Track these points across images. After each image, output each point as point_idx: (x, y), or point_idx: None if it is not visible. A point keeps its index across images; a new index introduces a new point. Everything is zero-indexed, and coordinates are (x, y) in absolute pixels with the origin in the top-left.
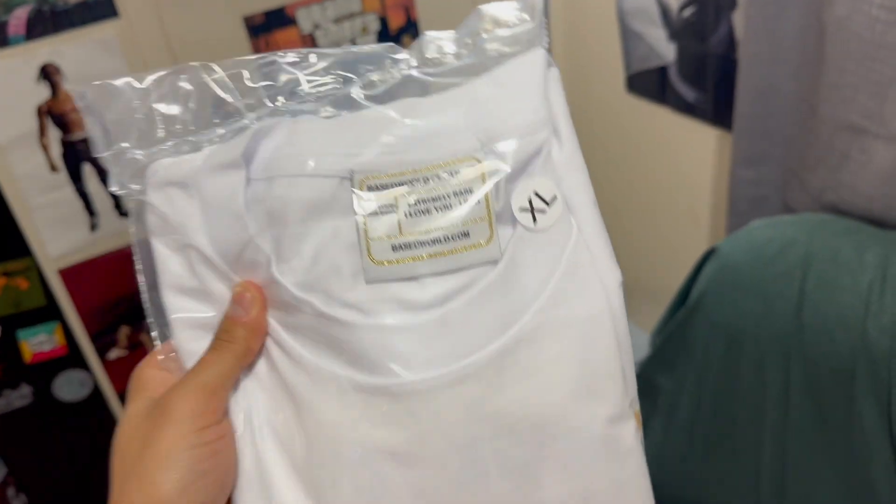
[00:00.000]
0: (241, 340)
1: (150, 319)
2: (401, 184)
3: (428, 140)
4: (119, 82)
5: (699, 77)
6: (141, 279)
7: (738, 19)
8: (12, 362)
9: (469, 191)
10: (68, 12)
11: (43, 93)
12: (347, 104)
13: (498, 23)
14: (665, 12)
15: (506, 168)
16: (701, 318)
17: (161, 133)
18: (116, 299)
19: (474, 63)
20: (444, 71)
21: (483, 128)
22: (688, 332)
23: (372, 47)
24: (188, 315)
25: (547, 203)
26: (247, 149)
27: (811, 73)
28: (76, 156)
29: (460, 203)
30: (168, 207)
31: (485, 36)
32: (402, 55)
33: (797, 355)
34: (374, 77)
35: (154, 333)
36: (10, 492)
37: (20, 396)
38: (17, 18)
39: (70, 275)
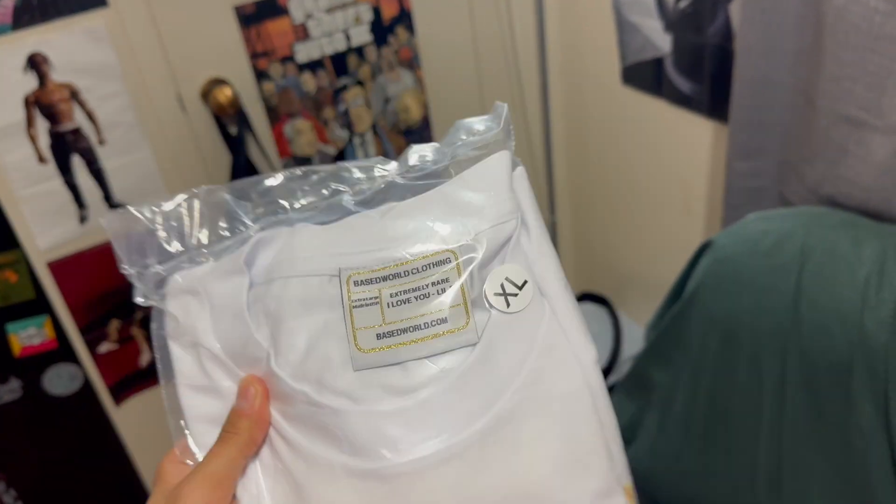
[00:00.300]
0: (244, 432)
1: (168, 417)
2: (384, 278)
3: (406, 238)
4: (140, 208)
5: (695, 69)
6: (162, 380)
7: (735, 10)
8: (1, 356)
9: (445, 280)
10: (56, 1)
11: (30, 83)
12: (339, 210)
13: (471, 132)
14: (661, 3)
15: (478, 257)
16: (696, 312)
17: (178, 248)
18: (106, 292)
19: (448, 165)
20: (420, 175)
21: (456, 222)
22: (683, 325)
23: (364, 161)
24: (201, 411)
25: (518, 287)
26: (249, 256)
27: (809, 64)
28: (65, 147)
29: (437, 292)
30: (182, 312)
31: (458, 143)
32: (390, 165)
33: (794, 350)
34: (363, 185)
35: (172, 428)
36: (0, 486)
37: (9, 391)
38: (4, 7)
39: (59, 267)
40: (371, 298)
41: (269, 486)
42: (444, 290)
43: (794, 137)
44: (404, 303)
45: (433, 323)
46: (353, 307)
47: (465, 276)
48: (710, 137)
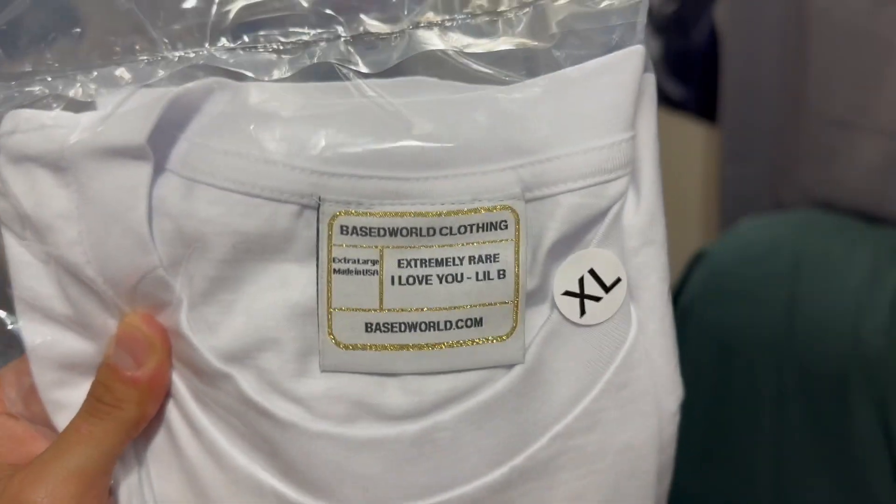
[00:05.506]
0: (130, 405)
1: None
2: (392, 230)
3: (446, 162)
4: None
5: (685, 73)
6: None
7: (720, 13)
8: None
9: (493, 257)
10: None
11: None
12: (323, 70)
13: None
14: (649, 7)
15: (553, 228)
16: (691, 325)
17: (27, 63)
18: None
19: (534, 49)
20: (486, 57)
21: (531, 159)
22: (678, 338)
23: None
24: (53, 349)
25: (605, 287)
26: (160, 126)
27: (795, 67)
28: None
29: (477, 274)
30: (29, 195)
31: (560, 1)
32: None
33: (790, 360)
34: (375, 28)
35: None
36: None
37: None
38: None
39: None
40: (366, 262)
41: (161, 483)
42: (487, 274)
43: (784, 140)
44: (421, 282)
45: (460, 323)
46: (335, 271)
47: (524, 254)
48: (702, 142)
